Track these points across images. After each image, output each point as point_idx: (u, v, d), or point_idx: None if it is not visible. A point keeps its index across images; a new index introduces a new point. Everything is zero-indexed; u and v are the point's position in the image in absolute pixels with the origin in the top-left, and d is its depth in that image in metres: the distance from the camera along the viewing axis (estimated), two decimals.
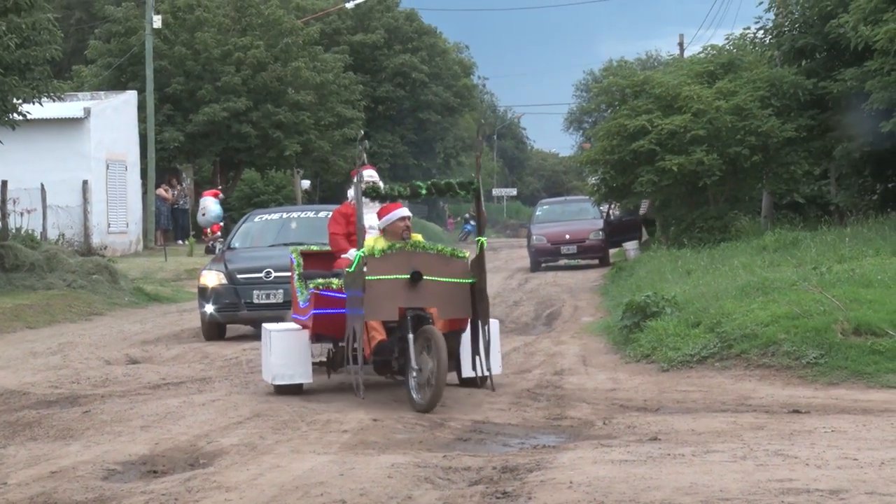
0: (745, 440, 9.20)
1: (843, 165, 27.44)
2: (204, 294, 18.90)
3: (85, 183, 37.08)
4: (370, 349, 11.47)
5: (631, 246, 33.81)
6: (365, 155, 11.52)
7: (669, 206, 28.83)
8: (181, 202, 44.85)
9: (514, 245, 51.89)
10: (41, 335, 20.30)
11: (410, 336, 11.26)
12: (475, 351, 11.74)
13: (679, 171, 26.16)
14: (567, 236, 34.89)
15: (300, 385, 12.41)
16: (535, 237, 35.44)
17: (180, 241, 43.01)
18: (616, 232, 35.52)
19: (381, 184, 12.87)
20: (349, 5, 56.90)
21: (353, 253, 12.70)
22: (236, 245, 20.03)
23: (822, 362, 12.42)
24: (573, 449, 9.13)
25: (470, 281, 11.56)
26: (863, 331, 12.70)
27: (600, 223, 35.82)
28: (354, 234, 13.01)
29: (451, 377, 11.88)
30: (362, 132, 11.92)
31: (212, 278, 18.91)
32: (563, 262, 35.66)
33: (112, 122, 39.66)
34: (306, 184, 55.67)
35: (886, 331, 12.59)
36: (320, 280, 12.32)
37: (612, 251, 35.77)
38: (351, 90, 53.81)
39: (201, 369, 15.09)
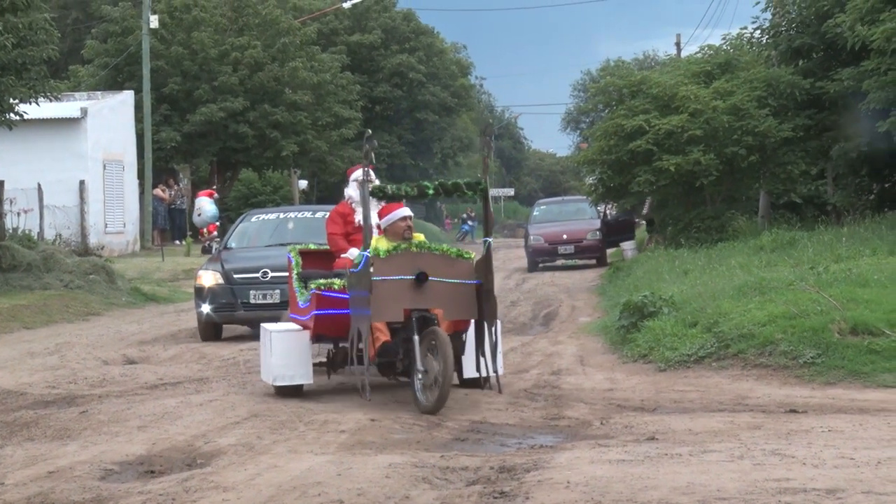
0: (743, 440, 9.21)
1: (839, 165, 27.44)
2: (200, 294, 18.83)
3: (82, 183, 37.07)
4: (374, 350, 11.40)
5: (628, 246, 33.84)
6: (373, 154, 11.38)
7: (666, 206, 28.83)
8: (178, 202, 44.85)
9: (511, 245, 51.90)
10: (38, 335, 20.29)
11: (416, 337, 11.16)
12: (480, 352, 11.66)
13: (676, 171, 26.16)
14: (564, 236, 34.92)
15: (300, 386, 12.33)
16: (532, 237, 35.47)
17: (177, 242, 43.00)
18: (612, 232, 35.54)
19: (376, 181, 12.88)
20: (346, 5, 56.90)
21: (353, 252, 12.68)
22: (233, 245, 19.98)
23: (818, 362, 12.43)
24: (570, 449, 9.13)
25: (475, 282, 11.51)
26: (859, 330, 12.71)
27: (598, 223, 35.83)
28: (353, 234, 13.02)
29: (452, 378, 11.84)
30: (369, 131, 11.81)
31: (208, 278, 18.85)
32: (560, 262, 35.69)
33: (109, 122, 39.65)
34: (303, 184, 55.67)
35: (883, 330, 12.61)
36: (322, 280, 12.22)
37: (608, 251, 35.80)
38: (348, 90, 53.80)
39: (199, 369, 15.09)
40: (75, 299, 24.44)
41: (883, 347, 12.39)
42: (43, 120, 34.34)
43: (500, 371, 12.13)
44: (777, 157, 26.98)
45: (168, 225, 44.42)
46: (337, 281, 12.11)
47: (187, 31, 47.27)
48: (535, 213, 39.12)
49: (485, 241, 11.68)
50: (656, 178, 26.55)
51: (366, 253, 11.19)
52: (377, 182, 13.01)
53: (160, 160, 45.66)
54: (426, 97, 68.33)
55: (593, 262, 35.26)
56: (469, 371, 12.06)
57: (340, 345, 12.56)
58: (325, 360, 12.70)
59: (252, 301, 18.59)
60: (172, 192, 44.85)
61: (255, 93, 47.19)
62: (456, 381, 12.24)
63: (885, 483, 7.47)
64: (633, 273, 24.00)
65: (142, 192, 42.26)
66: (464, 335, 11.79)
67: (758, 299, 14.55)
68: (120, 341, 18.89)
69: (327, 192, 58.73)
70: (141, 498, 7.97)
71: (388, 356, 11.51)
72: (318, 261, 13.26)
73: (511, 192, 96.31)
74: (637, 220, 39.27)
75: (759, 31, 29.44)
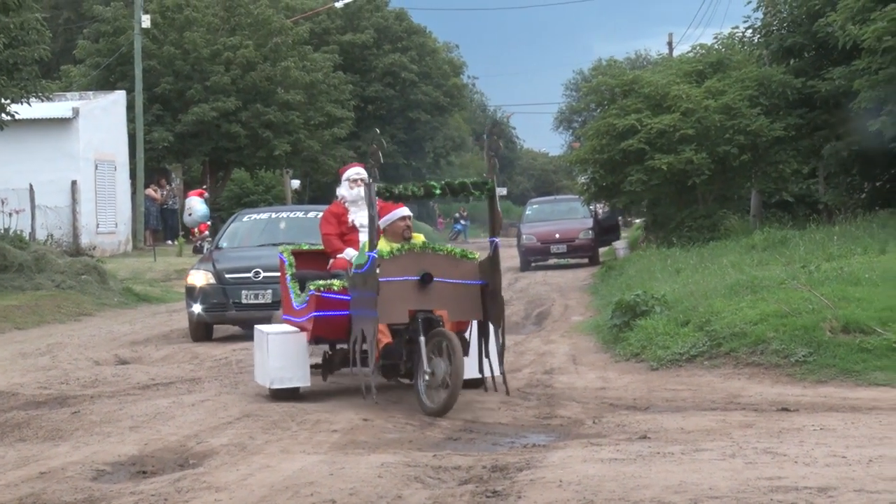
0: (735, 438, 9.21)
1: (831, 164, 27.49)
2: (192, 294, 18.71)
3: (74, 183, 37.04)
4: (377, 352, 11.26)
5: (620, 245, 33.86)
6: (380, 154, 11.24)
7: (659, 205, 28.85)
8: (170, 202, 44.81)
9: (503, 244, 51.81)
10: (30, 336, 20.27)
11: (422, 339, 11.06)
12: (485, 353, 11.59)
13: (668, 171, 26.19)
14: (557, 235, 34.92)
15: (297, 389, 12.17)
16: (524, 236, 35.48)
17: (169, 242, 42.96)
18: (601, 231, 35.62)
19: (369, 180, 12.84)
20: (338, 5, 56.88)
21: (349, 253, 12.65)
22: (224, 245, 19.86)
23: (810, 360, 12.44)
24: (563, 448, 9.14)
25: (480, 282, 11.44)
26: (851, 329, 12.72)
27: (590, 222, 35.86)
28: (347, 235, 12.96)
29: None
30: (377, 130, 11.70)
31: (200, 278, 18.73)
32: (552, 261, 35.69)
33: (101, 122, 39.61)
34: (296, 183, 55.65)
35: (875, 329, 12.62)
36: (321, 281, 12.07)
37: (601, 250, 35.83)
38: (340, 90, 53.81)
39: (191, 370, 15.07)
40: (67, 300, 24.41)
41: (874, 346, 12.40)
42: (34, 120, 34.30)
43: (496, 371, 11.94)
44: (769, 156, 27.02)
45: (160, 225, 44.38)
46: (336, 282, 11.98)
47: (179, 30, 47.25)
48: (527, 213, 39.13)
49: (491, 242, 11.56)
50: (648, 177, 26.58)
51: (373, 254, 11.04)
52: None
53: (152, 160, 45.62)
54: (418, 96, 68.35)
55: (585, 261, 35.27)
56: (470, 372, 11.96)
57: (339, 346, 12.51)
58: (319, 361, 12.61)
59: (244, 301, 18.50)
60: (164, 193, 44.82)
61: (248, 92, 47.18)
62: None
63: (877, 481, 7.48)
64: (626, 272, 24.01)
65: (134, 193, 42.22)
66: (467, 336, 11.67)
67: (750, 298, 14.56)
68: (112, 342, 18.87)
69: (320, 191, 58.71)
70: (133, 498, 7.97)
71: (391, 358, 11.38)
72: (310, 261, 13.08)
73: (504, 191, 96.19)
74: (630, 219, 39.37)
75: (750, 31, 29.51)
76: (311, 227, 18.58)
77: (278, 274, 13.36)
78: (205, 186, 45.47)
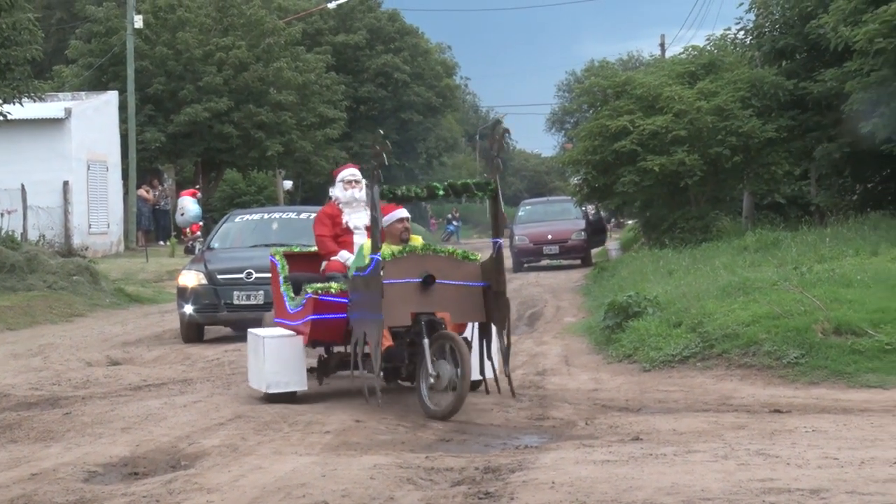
0: (727, 440, 9.23)
1: (823, 166, 27.51)
2: (183, 294, 18.63)
3: (66, 184, 36.98)
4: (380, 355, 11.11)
5: (613, 246, 33.88)
6: (384, 155, 11.12)
7: (651, 206, 28.86)
8: (162, 203, 44.76)
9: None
10: (21, 336, 20.23)
11: (426, 341, 10.97)
12: (487, 355, 11.53)
13: (660, 172, 26.19)
14: (549, 236, 34.92)
15: (294, 393, 12.05)
16: (517, 237, 35.47)
17: (161, 242, 42.92)
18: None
19: (363, 181, 12.82)
20: (331, 5, 56.91)
21: (343, 255, 12.61)
22: (216, 245, 19.79)
23: (802, 362, 12.46)
24: (555, 449, 9.14)
25: (482, 284, 11.38)
26: (843, 330, 12.74)
27: (582, 223, 35.85)
28: (342, 236, 12.89)
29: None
30: (381, 131, 11.62)
31: (191, 278, 18.65)
32: (545, 262, 35.70)
33: (93, 122, 39.55)
34: (288, 184, 55.65)
35: (866, 330, 12.64)
36: (319, 284, 11.98)
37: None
38: (333, 90, 53.78)
39: (183, 371, 15.06)
40: (59, 300, 24.37)
41: (866, 347, 12.43)
42: (27, 120, 34.22)
43: (490, 374, 11.86)
44: (761, 158, 27.04)
45: (152, 226, 44.33)
46: (334, 285, 11.91)
47: (172, 31, 47.20)
48: (520, 214, 39.11)
49: (495, 243, 11.47)
50: (641, 178, 26.58)
51: (377, 256, 10.94)
52: (364, 182, 12.97)
53: (144, 161, 45.56)
54: (411, 97, 68.35)
55: (578, 262, 35.27)
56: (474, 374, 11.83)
57: (335, 349, 12.46)
58: (314, 364, 12.52)
59: (236, 302, 18.42)
60: (157, 193, 44.77)
61: (240, 93, 47.14)
62: None
63: (869, 483, 7.50)
64: (618, 273, 24.01)
65: (126, 193, 42.17)
66: (467, 336, 11.57)
67: (742, 299, 14.58)
68: (104, 342, 18.84)
69: (312, 192, 58.70)
70: (125, 500, 7.96)
71: (393, 361, 11.30)
72: (302, 263, 13.02)
73: None
74: (623, 220, 39.38)
75: (742, 32, 29.55)
76: (303, 227, 18.56)
77: (270, 275, 13.31)
78: (198, 186, 45.40)
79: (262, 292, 18.01)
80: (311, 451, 9.29)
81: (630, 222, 47.35)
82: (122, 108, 42.24)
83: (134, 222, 42.43)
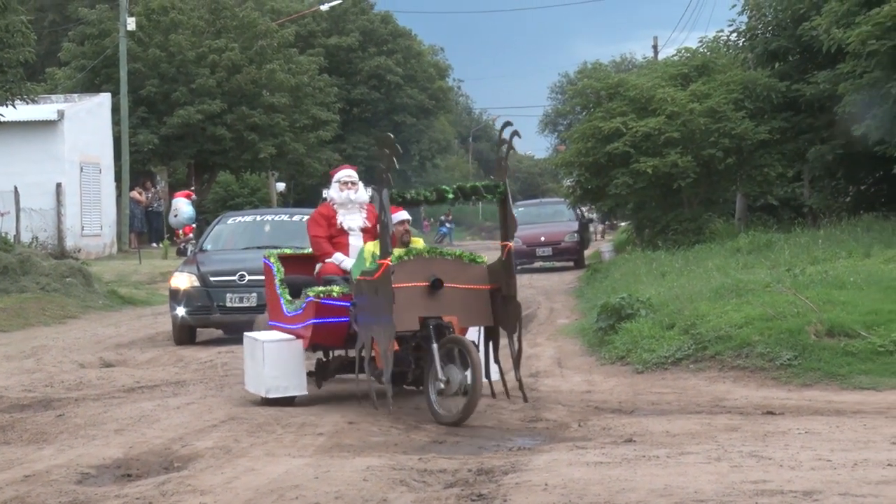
0: (720, 442, 9.23)
1: (816, 168, 27.54)
2: (175, 296, 18.53)
3: (59, 186, 36.93)
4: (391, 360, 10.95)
5: (606, 248, 33.88)
6: (395, 159, 10.97)
7: (644, 208, 28.87)
8: (155, 205, 44.71)
9: (490, 247, 51.82)
10: (14, 338, 20.20)
11: (435, 346, 10.83)
12: (494, 359, 11.47)
13: (653, 174, 26.19)
14: (542, 238, 34.91)
15: (293, 398, 11.94)
16: None
17: (154, 244, 42.88)
18: None
19: (359, 183, 12.80)
20: (324, 8, 56.83)
21: (338, 257, 12.55)
22: (208, 247, 19.73)
23: (795, 364, 12.47)
24: (548, 451, 9.14)
25: (489, 287, 11.29)
26: (836, 332, 12.76)
27: (575, 225, 35.87)
28: (336, 237, 12.80)
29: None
30: (391, 135, 11.52)
31: (183, 280, 18.56)
32: (538, 264, 35.69)
33: (86, 124, 39.50)
34: (281, 186, 55.61)
35: (859, 332, 12.65)
36: (320, 288, 11.88)
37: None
38: (326, 93, 53.76)
39: (176, 372, 15.05)
40: (52, 302, 24.33)
41: (859, 349, 12.44)
42: (19, 122, 34.14)
43: (496, 377, 11.78)
44: (754, 160, 27.05)
45: (145, 227, 44.27)
46: (336, 288, 11.82)
47: (164, 33, 47.15)
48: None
49: (504, 246, 11.39)
50: (634, 180, 26.58)
51: (387, 260, 10.77)
52: (361, 185, 12.95)
53: (137, 163, 45.51)
54: (404, 99, 68.35)
55: (571, 264, 35.28)
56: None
57: (335, 353, 12.40)
58: (312, 368, 12.41)
59: (228, 304, 18.35)
60: (149, 195, 44.72)
61: (233, 95, 47.11)
62: None
63: (862, 485, 7.50)
64: (611, 275, 24.01)
65: (119, 195, 42.11)
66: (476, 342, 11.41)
67: (735, 301, 14.59)
68: (97, 344, 18.81)
69: (305, 194, 58.67)
70: (118, 502, 7.95)
71: (399, 366, 11.13)
72: (295, 265, 12.89)
73: None
74: (616, 222, 39.39)
75: (735, 34, 29.58)
76: (295, 230, 18.53)
77: (263, 277, 13.21)
78: (192, 188, 45.38)
79: (254, 294, 17.96)
80: (304, 453, 9.29)
81: (623, 224, 47.39)
82: (115, 110, 42.20)
83: (127, 224, 42.39)
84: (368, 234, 12.61)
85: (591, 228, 42.62)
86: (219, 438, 9.99)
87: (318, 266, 12.70)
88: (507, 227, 11.61)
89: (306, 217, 18.36)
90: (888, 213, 24.43)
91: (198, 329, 19.00)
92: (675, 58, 30.95)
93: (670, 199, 27.54)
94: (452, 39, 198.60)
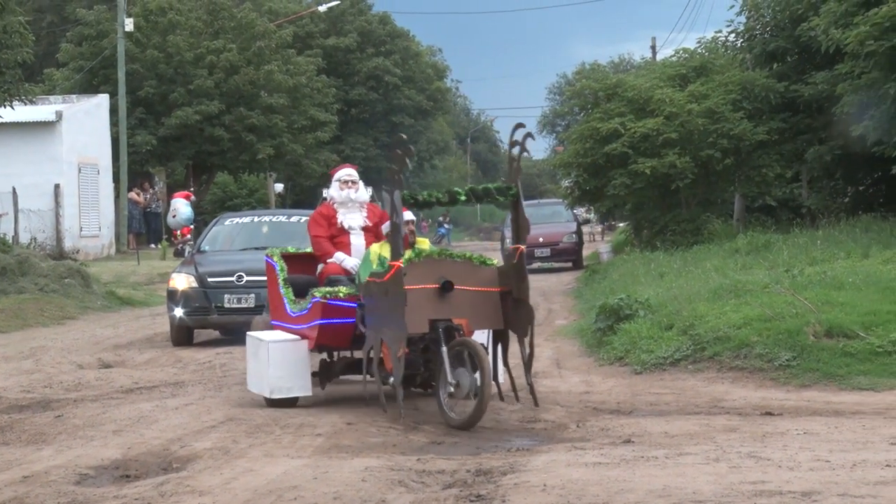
0: (718, 442, 9.23)
1: (814, 168, 27.56)
2: (173, 297, 18.46)
3: (57, 187, 36.92)
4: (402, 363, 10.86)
5: (604, 249, 33.89)
6: (408, 160, 10.88)
7: (642, 209, 28.88)
8: (153, 206, 44.71)
9: (488, 248, 51.85)
10: (13, 339, 20.19)
11: (444, 349, 10.73)
12: (503, 362, 11.41)
13: (651, 174, 26.20)
14: (540, 239, 34.86)
15: (296, 399, 11.87)
16: (508, 240, 35.21)
17: (153, 245, 42.87)
18: None
19: (361, 185, 12.76)
20: (322, 8, 56.84)
21: (338, 256, 12.48)
22: (206, 248, 19.70)
23: (794, 364, 12.47)
24: (547, 452, 9.14)
25: (499, 289, 11.22)
26: (834, 333, 12.76)
27: (574, 226, 35.89)
28: (337, 237, 12.73)
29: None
30: (403, 136, 11.43)
31: (181, 281, 18.49)
32: (536, 265, 35.68)
33: (84, 125, 39.49)
34: (279, 187, 55.61)
35: (858, 333, 12.66)
36: (326, 289, 11.80)
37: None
38: (324, 93, 53.77)
39: (174, 373, 15.04)
40: (50, 303, 24.32)
41: (857, 350, 12.45)
42: (18, 123, 34.14)
43: (502, 379, 11.69)
44: (752, 161, 27.07)
45: (143, 228, 44.27)
46: (343, 289, 11.74)
47: (162, 34, 47.17)
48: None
49: (516, 249, 11.31)
50: (632, 181, 26.59)
51: (399, 263, 10.68)
52: (361, 184, 12.90)
53: (135, 164, 45.51)
54: (402, 100, 68.29)
55: (569, 265, 35.27)
56: None
57: (341, 354, 12.35)
58: (315, 369, 12.30)
59: (226, 305, 18.30)
60: (148, 196, 44.72)
61: (231, 96, 47.12)
62: None
63: (860, 485, 7.50)
64: (609, 276, 24.02)
65: (117, 196, 42.11)
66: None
67: (733, 302, 14.59)
68: (95, 345, 18.81)
69: (303, 195, 58.66)
70: (116, 502, 7.95)
71: (408, 368, 11.01)
72: (296, 265, 12.79)
73: None
74: (614, 223, 39.40)
75: (733, 35, 29.60)
76: (293, 231, 18.52)
77: (261, 278, 13.14)
78: (192, 189, 45.38)
79: (252, 295, 17.93)
80: (302, 454, 9.28)
81: (621, 225, 47.37)
82: (113, 111, 42.19)
83: (125, 225, 42.39)
84: (369, 232, 12.58)
85: (589, 229, 42.62)
86: (217, 439, 9.99)
87: (319, 266, 12.62)
88: (519, 229, 11.54)
89: (304, 218, 18.36)
90: (886, 214, 24.44)
91: (195, 330, 18.97)
92: (674, 58, 30.98)
93: (668, 199, 27.55)
94: (450, 40, 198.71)
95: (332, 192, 12.89)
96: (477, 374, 10.47)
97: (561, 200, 35.36)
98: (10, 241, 30.29)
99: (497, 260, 11.66)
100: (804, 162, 27.41)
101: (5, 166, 35.27)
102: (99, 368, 15.80)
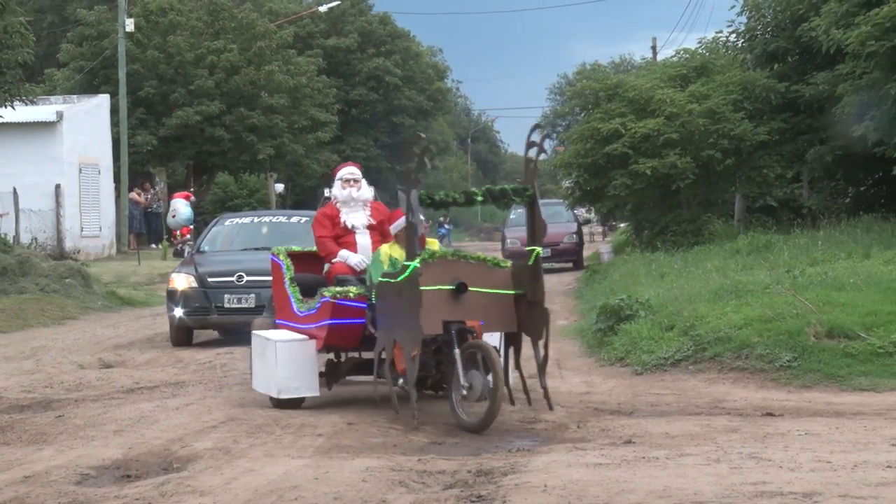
0: (719, 443, 9.23)
1: (815, 169, 27.54)
2: (173, 297, 18.40)
3: (58, 187, 36.93)
4: (404, 364, 10.84)
5: (605, 249, 33.89)
6: (427, 160, 10.81)
7: (643, 209, 28.88)
8: (154, 206, 44.72)
9: (488, 249, 51.74)
10: (14, 339, 20.19)
11: (457, 351, 10.66)
12: (515, 365, 11.36)
13: (652, 175, 26.20)
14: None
15: (303, 399, 11.81)
16: (508, 240, 35.42)
17: (153, 245, 42.88)
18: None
19: (364, 183, 12.72)
20: (322, 9, 56.83)
21: (343, 254, 12.41)
22: (206, 248, 19.68)
23: (795, 365, 12.47)
24: (547, 452, 9.14)
25: (513, 292, 11.12)
26: (835, 334, 12.76)
27: (574, 226, 35.90)
28: (342, 236, 12.67)
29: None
30: (422, 134, 11.32)
31: (181, 281, 18.44)
32: None
33: (85, 125, 39.50)
34: (280, 187, 55.60)
35: (859, 334, 12.65)
36: (336, 288, 11.72)
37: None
38: (324, 94, 53.79)
39: (175, 373, 15.04)
40: (51, 303, 24.32)
41: (859, 351, 12.45)
42: (18, 124, 34.13)
43: (513, 381, 11.60)
44: (753, 161, 27.07)
45: (144, 229, 44.27)
46: (353, 289, 11.67)
47: (163, 34, 47.18)
48: (511, 217, 38.99)
49: (532, 251, 11.23)
50: (632, 181, 26.59)
51: (415, 263, 10.59)
52: (364, 182, 12.87)
53: (136, 164, 45.53)
54: (402, 101, 68.30)
55: (570, 265, 35.27)
56: None
57: (349, 354, 12.31)
58: (322, 370, 12.23)
59: (226, 305, 18.25)
60: (148, 196, 44.73)
61: (232, 96, 47.14)
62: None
63: (861, 486, 7.50)
64: (610, 276, 24.02)
65: (118, 196, 42.12)
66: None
67: (734, 303, 14.58)
68: (96, 345, 18.80)
69: (303, 195, 58.65)
70: (117, 502, 7.95)
71: (421, 370, 10.92)
72: (302, 263, 12.69)
73: None
74: (615, 223, 39.37)
75: (734, 35, 29.60)
76: (293, 231, 18.52)
77: (261, 278, 13.10)
78: (192, 189, 45.38)
79: (252, 295, 17.89)
80: (303, 454, 9.28)
81: (622, 225, 47.38)
82: (114, 111, 42.20)
83: (126, 225, 42.40)
84: (374, 231, 12.54)
85: (589, 230, 42.57)
86: (218, 439, 9.99)
87: (326, 266, 12.57)
88: (535, 230, 11.44)
89: (304, 219, 18.34)
90: (887, 214, 24.44)
91: (194, 330, 18.94)
92: (674, 59, 30.98)
93: (669, 200, 27.56)
94: (451, 40, 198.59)
95: (335, 191, 12.81)
96: (489, 377, 10.41)
97: (561, 201, 35.38)
98: (11, 241, 30.28)
99: (510, 263, 11.58)
100: (805, 162, 27.41)
101: (6, 166, 35.28)
102: (100, 368, 15.79)
